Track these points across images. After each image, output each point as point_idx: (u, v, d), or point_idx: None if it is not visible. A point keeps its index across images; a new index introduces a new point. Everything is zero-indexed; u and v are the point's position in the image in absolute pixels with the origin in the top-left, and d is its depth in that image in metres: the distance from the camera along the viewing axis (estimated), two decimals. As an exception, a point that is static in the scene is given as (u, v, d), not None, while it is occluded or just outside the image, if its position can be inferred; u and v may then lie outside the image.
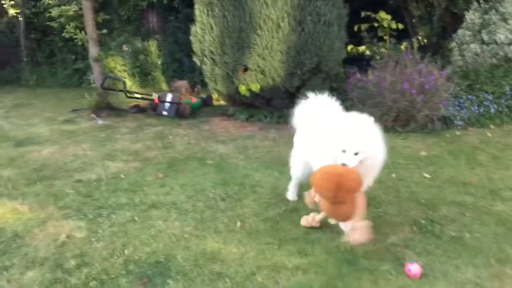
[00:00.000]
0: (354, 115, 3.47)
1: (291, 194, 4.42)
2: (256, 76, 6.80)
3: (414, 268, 3.15)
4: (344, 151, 3.31)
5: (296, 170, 4.27)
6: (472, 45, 7.41)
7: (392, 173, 4.95)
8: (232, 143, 6.33)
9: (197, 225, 3.97)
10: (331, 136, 3.39)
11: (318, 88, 6.96)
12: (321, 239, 3.71)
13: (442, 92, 6.45)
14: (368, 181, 3.50)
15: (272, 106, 7.25)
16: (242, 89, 6.91)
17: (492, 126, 6.60)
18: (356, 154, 3.29)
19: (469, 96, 6.89)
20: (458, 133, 6.34)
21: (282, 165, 5.38)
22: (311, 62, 6.67)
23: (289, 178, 4.34)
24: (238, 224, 3.98)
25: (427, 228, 3.75)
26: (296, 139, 4.23)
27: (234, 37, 6.81)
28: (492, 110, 6.72)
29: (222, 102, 8.46)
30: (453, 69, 7.16)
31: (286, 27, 6.58)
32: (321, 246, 3.60)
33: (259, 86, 6.80)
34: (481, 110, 6.71)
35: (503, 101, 6.85)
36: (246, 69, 6.87)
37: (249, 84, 6.87)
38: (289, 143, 6.15)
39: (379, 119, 6.32)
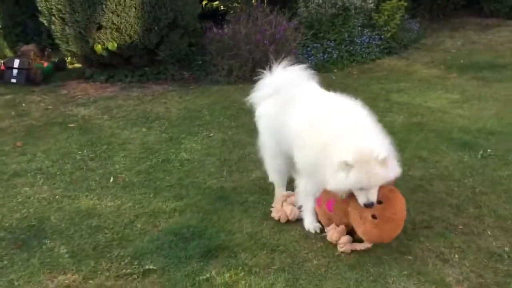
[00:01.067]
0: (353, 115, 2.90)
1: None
2: (111, 34, 6.59)
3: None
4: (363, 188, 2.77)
5: (275, 171, 3.45)
6: (315, -4, 8.05)
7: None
8: (94, 104, 6.16)
9: (68, 187, 3.93)
10: (341, 174, 2.71)
11: (176, 44, 7.10)
12: (194, 182, 3.96)
13: (292, 41, 6.98)
14: None
15: (132, 65, 7.14)
16: (98, 48, 6.65)
17: (335, 70, 7.39)
18: None
19: (315, 45, 7.58)
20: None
21: (149, 121, 5.47)
22: (167, 17, 6.66)
23: (158, 132, 4.41)
24: (111, 180, 4.03)
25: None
26: (262, 115, 3.41)
27: (83, -6, 6.49)
28: (335, 56, 7.51)
29: (78, 65, 8.05)
30: (300, 20, 7.73)
31: (137, -18, 6.45)
32: (195, 188, 3.86)
33: (116, 45, 6.62)
34: (325, 57, 7.43)
35: (343, 47, 7.67)
36: (100, 27, 6.61)
37: (105, 43, 6.64)
38: (154, 100, 6.26)
39: (238, 71, 6.80)
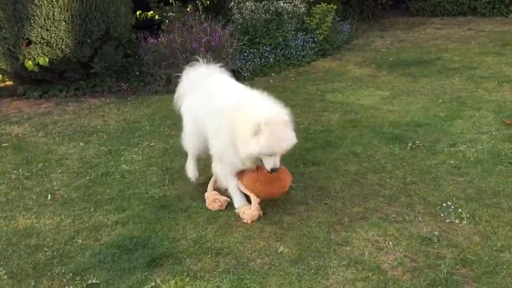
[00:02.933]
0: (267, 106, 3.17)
1: (191, 171, 3.99)
2: (42, 49, 6.41)
3: None
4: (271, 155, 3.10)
5: (190, 143, 3.92)
6: (247, 3, 8.19)
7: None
8: (28, 122, 5.96)
9: (3, 208, 3.81)
10: (252, 141, 3.05)
11: (111, 56, 7.01)
12: (136, 194, 3.94)
13: (228, 48, 7.07)
14: None
15: (67, 79, 6.97)
16: (29, 64, 6.44)
17: (273, 74, 7.57)
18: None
19: (251, 50, 7.71)
20: (246, 83, 7.06)
21: (87, 135, 5.37)
22: (99, 29, 6.56)
23: (96, 146, 4.37)
24: (49, 197, 3.93)
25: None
26: (185, 109, 3.91)
27: (9, 9, 6.26)
28: (271, 60, 7.67)
29: (10, 82, 7.75)
30: (235, 27, 7.85)
31: (66, -5, 6.32)
32: (136, 200, 3.84)
33: (47, 59, 6.44)
34: (262, 61, 7.58)
35: (279, 51, 7.86)
36: (29, 42, 6.41)
37: (35, 58, 6.45)
38: (91, 114, 6.14)
39: (176, 80, 6.78)
